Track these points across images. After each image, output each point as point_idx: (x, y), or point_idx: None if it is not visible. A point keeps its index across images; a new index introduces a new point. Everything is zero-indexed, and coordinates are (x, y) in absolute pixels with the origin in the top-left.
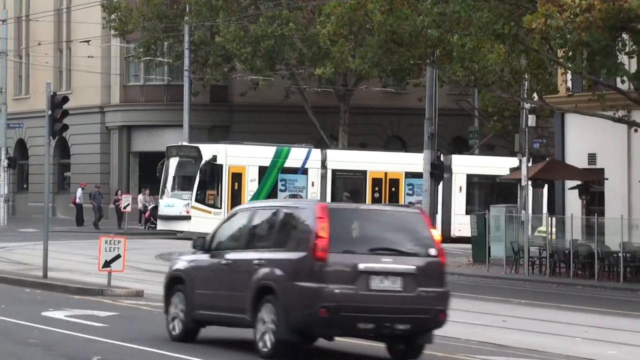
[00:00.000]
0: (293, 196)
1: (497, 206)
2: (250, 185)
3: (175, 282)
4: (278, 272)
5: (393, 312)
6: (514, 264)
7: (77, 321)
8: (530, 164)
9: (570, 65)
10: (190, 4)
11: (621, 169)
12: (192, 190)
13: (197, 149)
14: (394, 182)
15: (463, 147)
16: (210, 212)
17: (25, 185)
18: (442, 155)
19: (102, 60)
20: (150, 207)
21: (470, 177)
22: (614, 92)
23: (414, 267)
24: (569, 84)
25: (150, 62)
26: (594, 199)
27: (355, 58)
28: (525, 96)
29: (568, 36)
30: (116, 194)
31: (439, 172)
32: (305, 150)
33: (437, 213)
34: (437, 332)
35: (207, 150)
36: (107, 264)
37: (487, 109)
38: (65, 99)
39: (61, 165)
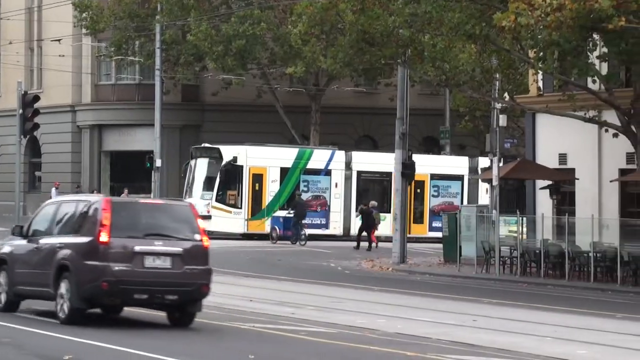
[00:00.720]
0: (316, 197)
1: (467, 206)
2: (272, 185)
3: (0, 263)
4: (73, 253)
5: (163, 285)
6: (484, 264)
7: (47, 319)
8: (501, 164)
9: (541, 66)
10: (161, 3)
11: (592, 169)
12: (213, 190)
13: (218, 150)
14: (419, 184)
15: (434, 147)
16: (230, 212)
17: None
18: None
19: (74, 59)
20: None
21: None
22: (584, 93)
23: (181, 249)
24: (540, 84)
25: (122, 61)
26: (564, 198)
27: (326, 57)
28: (497, 96)
29: (539, 36)
30: (92, 193)
31: (411, 171)
32: (329, 151)
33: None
34: (409, 331)
35: (228, 152)
36: None
37: (459, 109)
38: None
39: (32, 164)
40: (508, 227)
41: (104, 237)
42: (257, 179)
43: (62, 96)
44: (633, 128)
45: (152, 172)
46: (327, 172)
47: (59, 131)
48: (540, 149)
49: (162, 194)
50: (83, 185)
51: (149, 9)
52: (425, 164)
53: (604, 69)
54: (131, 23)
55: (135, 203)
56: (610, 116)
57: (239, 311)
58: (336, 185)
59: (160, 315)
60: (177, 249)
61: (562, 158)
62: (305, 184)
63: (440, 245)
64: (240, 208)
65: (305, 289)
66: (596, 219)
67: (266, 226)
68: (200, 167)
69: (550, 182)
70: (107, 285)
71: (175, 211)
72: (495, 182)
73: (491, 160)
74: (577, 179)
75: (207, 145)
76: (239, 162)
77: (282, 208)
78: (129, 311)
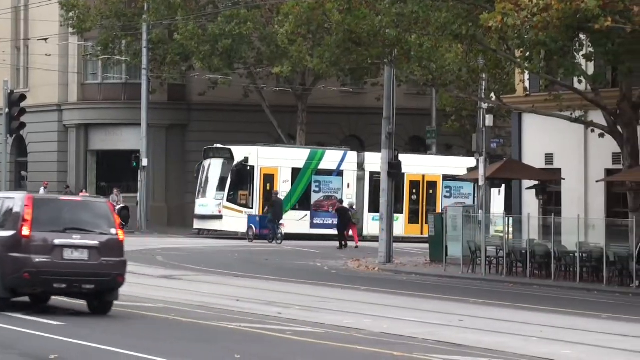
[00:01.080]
0: (328, 197)
1: (454, 205)
2: (283, 186)
3: None
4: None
5: (81, 276)
6: (471, 264)
7: (33, 319)
8: (487, 164)
9: (527, 65)
10: (148, 3)
11: (578, 169)
12: (224, 190)
13: (230, 150)
14: (432, 185)
15: (421, 147)
16: (241, 212)
17: None
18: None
19: (60, 59)
20: (118, 207)
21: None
22: (571, 93)
23: (97, 242)
24: (527, 84)
25: (108, 60)
26: (551, 199)
27: (313, 57)
28: (483, 96)
29: (525, 36)
30: (80, 192)
31: (397, 171)
32: (341, 152)
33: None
34: (396, 331)
35: (239, 152)
36: None
37: (445, 109)
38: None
39: (18, 164)
40: (494, 227)
41: (25, 231)
42: (269, 179)
43: (49, 95)
44: (619, 128)
45: (139, 171)
46: (339, 173)
47: (46, 130)
48: (527, 149)
49: (149, 193)
50: (69, 185)
51: (135, 8)
52: (438, 165)
53: (590, 68)
54: (118, 22)
55: (55, 200)
56: (597, 116)
57: (225, 311)
58: (348, 186)
59: (150, 315)
60: (94, 242)
61: (549, 158)
62: (317, 184)
63: (427, 246)
64: (252, 208)
65: (292, 288)
66: (582, 219)
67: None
68: (212, 168)
69: (536, 182)
70: (28, 276)
71: (93, 207)
72: (481, 182)
73: (477, 160)
74: (563, 179)
75: (219, 145)
76: (250, 163)
77: (294, 208)
78: (119, 311)
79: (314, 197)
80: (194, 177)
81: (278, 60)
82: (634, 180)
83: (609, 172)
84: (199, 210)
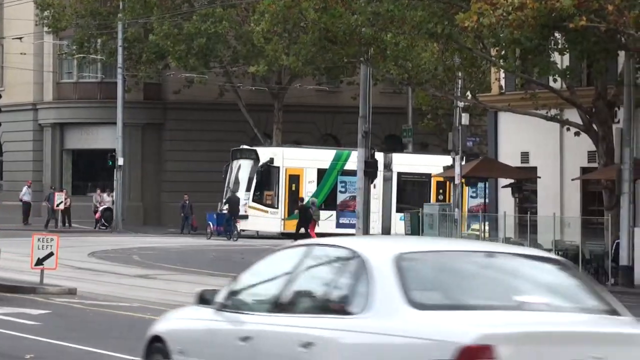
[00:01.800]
0: (354, 198)
1: (430, 204)
2: (309, 186)
3: None
4: None
5: None
6: None
7: (9, 319)
8: (463, 162)
9: (502, 64)
10: (123, 1)
11: (553, 167)
12: (250, 191)
13: (255, 151)
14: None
15: (397, 145)
16: (267, 212)
17: None
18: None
19: (35, 57)
20: (101, 209)
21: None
22: (546, 91)
23: None
24: (502, 83)
25: (84, 59)
26: (526, 197)
27: (289, 56)
28: (459, 94)
29: (501, 35)
30: (61, 192)
31: (373, 170)
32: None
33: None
34: None
35: (264, 153)
36: (39, 261)
37: (421, 107)
38: None
39: None
40: (470, 226)
41: None
42: (294, 179)
43: (24, 94)
44: (594, 126)
45: (115, 170)
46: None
47: (21, 129)
48: (503, 147)
49: (125, 193)
50: (45, 184)
51: (111, 7)
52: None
53: (565, 64)
54: (93, 21)
55: None
56: (572, 115)
57: None
58: (374, 186)
59: (126, 314)
60: None
61: (524, 156)
62: (343, 184)
63: None
64: (277, 208)
65: None
66: (558, 218)
67: None
68: (239, 169)
69: (512, 181)
70: None
71: None
72: (457, 181)
73: (453, 159)
74: (539, 178)
75: (245, 147)
76: (275, 164)
77: (319, 208)
78: (96, 310)
79: (340, 198)
80: (222, 178)
81: (254, 59)
82: (609, 179)
83: (584, 170)
84: (225, 210)
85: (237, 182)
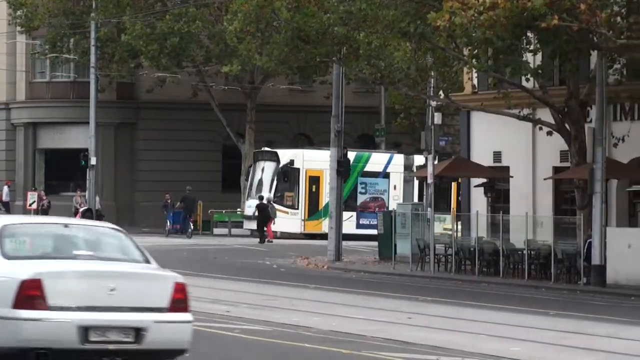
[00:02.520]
0: (374, 199)
1: (403, 204)
2: (329, 187)
3: None
4: None
5: None
6: (419, 262)
7: None
8: (436, 162)
9: (475, 64)
10: (96, 1)
11: (526, 167)
12: (271, 192)
13: (276, 153)
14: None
15: (369, 145)
16: (287, 213)
17: None
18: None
19: (8, 57)
20: (82, 210)
21: None
22: (519, 91)
23: None
24: (475, 82)
25: (57, 58)
26: (499, 196)
27: (262, 55)
28: (432, 94)
29: (473, 34)
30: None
31: (345, 169)
32: (387, 155)
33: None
34: (344, 329)
35: (285, 155)
36: None
37: (394, 107)
38: None
39: None
40: (442, 225)
41: None
42: (314, 181)
43: None
44: (567, 126)
45: (87, 170)
46: (386, 175)
47: None
48: (475, 147)
49: (97, 192)
50: (17, 184)
51: (83, 6)
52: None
53: (537, 63)
54: (66, 20)
55: None
56: (545, 114)
57: None
58: (394, 188)
59: None
60: None
61: (497, 156)
62: (363, 186)
63: (375, 243)
64: (297, 209)
65: (240, 287)
66: (530, 217)
67: (322, 226)
68: (260, 170)
69: (485, 180)
70: None
71: None
72: (430, 180)
73: (426, 158)
74: (512, 177)
75: (266, 149)
76: (295, 165)
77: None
78: None
79: (360, 199)
80: (245, 180)
81: (227, 58)
82: (581, 178)
83: (556, 169)
84: (247, 211)
85: (258, 183)
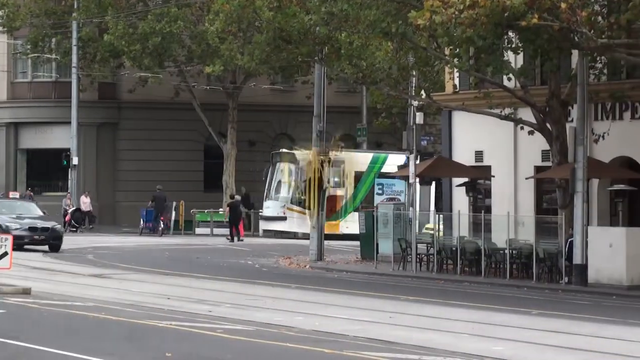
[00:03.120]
0: (391, 199)
1: (384, 203)
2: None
3: None
4: None
5: None
6: (401, 261)
7: None
8: (418, 161)
9: (456, 63)
10: (78, 1)
11: (508, 166)
12: (288, 193)
13: (293, 154)
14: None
15: (351, 145)
16: (304, 213)
17: None
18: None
19: None
20: (70, 211)
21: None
22: (500, 90)
23: None
24: (456, 82)
25: (38, 58)
26: (481, 196)
27: (243, 55)
28: (413, 93)
29: (454, 34)
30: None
31: None
32: (403, 156)
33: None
34: (326, 329)
35: (303, 156)
36: None
37: (376, 106)
38: None
39: None
40: (424, 225)
41: None
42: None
43: None
44: (548, 125)
45: (69, 170)
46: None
47: None
48: (457, 146)
49: (79, 192)
50: None
51: (65, 6)
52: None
53: (519, 64)
54: (47, 20)
55: None
56: (526, 114)
57: (156, 309)
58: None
59: (80, 314)
60: None
61: (479, 155)
62: (380, 187)
63: (357, 243)
64: None
65: (222, 286)
66: (512, 216)
67: (340, 227)
68: (278, 171)
69: (466, 180)
70: None
71: None
72: (412, 180)
73: (407, 158)
74: (493, 177)
75: (284, 150)
76: None
77: (356, 210)
78: (50, 310)
79: (377, 200)
80: (262, 180)
81: (209, 58)
82: (562, 177)
83: (538, 169)
84: (265, 212)
85: (275, 184)
